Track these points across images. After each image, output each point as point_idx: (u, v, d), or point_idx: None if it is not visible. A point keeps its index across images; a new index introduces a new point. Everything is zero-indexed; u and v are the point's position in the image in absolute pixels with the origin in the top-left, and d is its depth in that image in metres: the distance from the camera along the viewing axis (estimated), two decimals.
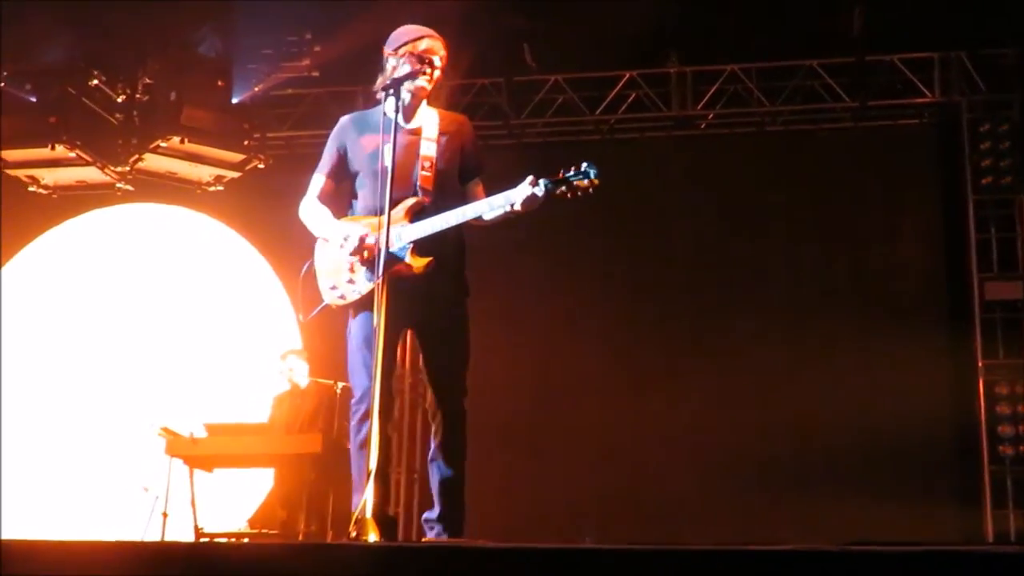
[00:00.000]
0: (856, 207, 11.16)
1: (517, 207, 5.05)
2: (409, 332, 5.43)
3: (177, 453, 8.83)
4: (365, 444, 4.97)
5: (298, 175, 11.84)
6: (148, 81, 11.22)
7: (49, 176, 11.90)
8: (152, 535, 9.07)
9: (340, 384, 9.43)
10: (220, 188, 11.96)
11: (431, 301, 5.16)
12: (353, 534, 4.64)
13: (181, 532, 8.99)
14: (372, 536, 4.58)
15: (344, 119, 5.36)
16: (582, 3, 10.33)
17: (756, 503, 10.35)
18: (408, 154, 5.21)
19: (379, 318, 4.69)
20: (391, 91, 5.08)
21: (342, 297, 5.27)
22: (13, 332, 12.15)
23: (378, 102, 5.32)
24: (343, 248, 5.20)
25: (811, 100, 11.33)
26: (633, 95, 11.56)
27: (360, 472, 4.99)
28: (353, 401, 5.14)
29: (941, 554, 3.31)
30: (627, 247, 11.38)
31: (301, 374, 10.11)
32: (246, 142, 11.46)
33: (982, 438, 10.38)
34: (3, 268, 12.51)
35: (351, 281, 5.24)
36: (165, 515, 8.93)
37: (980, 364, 10.55)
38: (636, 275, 11.28)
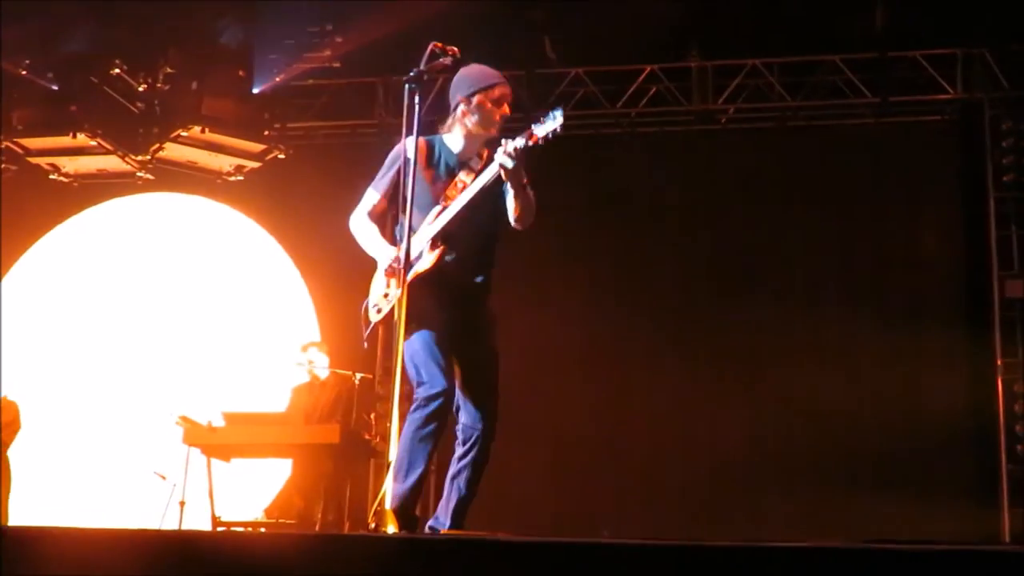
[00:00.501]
0: (876, 203, 11.12)
1: (507, 164, 5.07)
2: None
3: (195, 442, 8.85)
4: (426, 438, 5.09)
5: (318, 166, 12.06)
6: (169, 70, 11.25)
7: (70, 164, 11.98)
8: (169, 524, 9.11)
9: (359, 375, 9.44)
10: (240, 178, 12.00)
11: (473, 332, 5.32)
12: (372, 525, 4.65)
13: (198, 521, 9.02)
14: (391, 528, 4.60)
15: (409, 140, 5.29)
16: None
17: (772, 500, 10.35)
18: (453, 184, 5.36)
19: (399, 321, 4.81)
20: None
21: (379, 311, 5.36)
22: (34, 320, 12.21)
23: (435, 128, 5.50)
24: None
25: (833, 96, 11.27)
26: (654, 89, 11.52)
27: (410, 463, 5.06)
28: (423, 395, 5.13)
29: (958, 553, 3.31)
30: (647, 240, 11.36)
31: (321, 366, 10.13)
32: (266, 132, 11.50)
33: (1000, 437, 10.34)
34: (25, 256, 12.56)
35: (386, 296, 5.35)
36: (183, 504, 8.96)
37: (999, 363, 10.50)
38: (655, 268, 11.26)
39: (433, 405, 5.10)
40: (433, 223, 5.23)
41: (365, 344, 5.48)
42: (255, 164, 11.79)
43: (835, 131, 11.40)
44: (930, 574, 3.24)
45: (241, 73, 11.24)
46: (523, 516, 9.75)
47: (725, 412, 10.75)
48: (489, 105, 5.38)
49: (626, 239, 11.39)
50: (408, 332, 5.06)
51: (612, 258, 11.38)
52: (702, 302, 11.11)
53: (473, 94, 5.37)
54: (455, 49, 5.14)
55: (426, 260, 5.18)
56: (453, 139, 5.42)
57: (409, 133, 5.07)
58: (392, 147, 5.44)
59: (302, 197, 11.85)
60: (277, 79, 11.32)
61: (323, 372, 10.09)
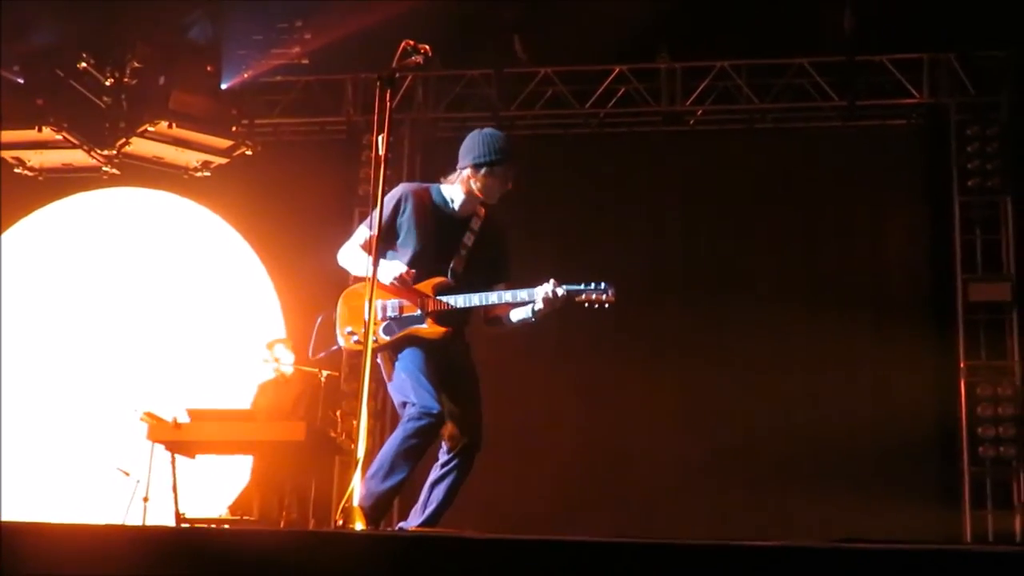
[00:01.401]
0: (843, 206, 11.19)
1: (539, 304, 5.38)
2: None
3: (160, 438, 8.76)
4: (415, 449, 5.26)
5: (286, 162, 12.00)
6: (137, 65, 11.16)
7: (35, 158, 11.86)
8: (133, 520, 9.05)
9: (325, 372, 9.42)
10: (207, 174, 11.92)
11: (450, 361, 5.52)
12: (340, 522, 4.65)
13: (162, 517, 8.96)
14: (358, 525, 4.59)
15: (406, 190, 5.59)
16: None
17: (738, 500, 10.39)
18: (451, 240, 5.55)
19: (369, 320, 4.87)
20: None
21: (358, 342, 5.42)
22: None
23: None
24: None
25: (800, 98, 11.35)
26: (623, 89, 11.57)
27: (393, 466, 5.21)
28: (419, 409, 5.26)
29: (925, 553, 3.33)
30: (615, 241, 11.37)
31: (287, 363, 10.10)
32: (234, 128, 11.44)
33: (963, 439, 10.42)
34: None
35: (364, 326, 5.34)
36: (146, 500, 8.88)
37: (962, 365, 10.60)
38: (624, 269, 11.24)
39: (424, 421, 5.24)
40: (442, 295, 5.45)
41: (310, 353, 5.65)
42: (222, 160, 11.72)
43: (802, 134, 11.47)
44: (896, 573, 3.26)
45: (209, 68, 11.18)
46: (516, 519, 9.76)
47: (690, 414, 10.77)
48: (497, 181, 5.54)
49: (593, 238, 11.39)
50: (393, 356, 5.37)
51: (579, 257, 11.38)
52: (669, 302, 11.14)
53: (483, 165, 5.52)
54: (427, 47, 5.15)
55: (431, 330, 5.42)
56: (453, 193, 5.60)
57: (380, 131, 5.07)
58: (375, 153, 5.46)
59: (269, 194, 11.82)
60: (245, 75, 11.28)
61: (288, 369, 10.07)
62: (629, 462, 10.76)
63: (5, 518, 5.29)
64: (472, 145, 5.56)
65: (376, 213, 5.40)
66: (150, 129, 11.10)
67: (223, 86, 11.25)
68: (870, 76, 11.15)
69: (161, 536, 4.19)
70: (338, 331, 5.57)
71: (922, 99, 11.13)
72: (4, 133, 11.34)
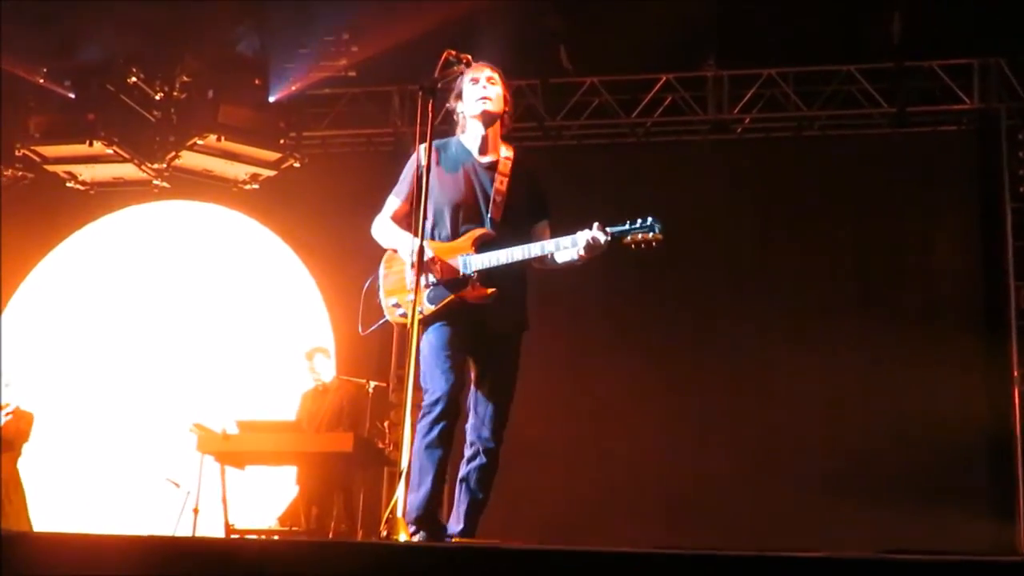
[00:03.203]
0: (893, 213, 11.09)
1: (581, 250, 5.15)
2: None
3: (209, 449, 8.84)
4: (431, 444, 5.10)
5: (333, 174, 12.05)
6: (186, 79, 11.29)
7: (87, 172, 12.02)
8: (183, 531, 9.12)
9: (372, 383, 9.45)
10: (256, 186, 12.03)
11: (489, 334, 5.33)
12: (384, 533, 4.64)
13: (212, 528, 9.02)
14: (402, 536, 4.59)
15: (423, 147, 5.29)
16: (619, 5, 10.32)
17: (787, 510, 10.29)
18: (481, 187, 5.37)
19: (411, 328, 4.82)
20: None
21: (404, 316, 5.29)
22: (50, 327, 12.24)
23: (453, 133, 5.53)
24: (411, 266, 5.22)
25: (849, 105, 11.26)
26: (669, 98, 11.53)
27: (420, 470, 5.09)
28: (426, 402, 5.16)
29: (973, 564, 3.28)
30: (662, 251, 11.29)
31: (325, 372, 10.12)
32: (282, 141, 11.52)
33: (1016, 448, 10.29)
34: (42, 263, 12.60)
35: (410, 295, 5.21)
36: (196, 511, 8.95)
37: (1015, 373, 10.46)
38: (671, 279, 11.20)
39: (435, 411, 5.11)
40: (480, 255, 5.25)
41: (361, 329, 5.49)
42: (271, 172, 11.82)
43: (851, 141, 11.38)
44: None
45: (257, 82, 11.27)
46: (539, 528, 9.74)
47: (739, 421, 10.71)
48: (469, 88, 5.38)
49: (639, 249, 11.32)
50: (422, 332, 5.15)
51: (626, 267, 11.33)
52: (717, 311, 11.07)
53: (452, 92, 5.43)
54: (468, 57, 5.15)
55: (475, 292, 5.23)
56: (468, 140, 5.46)
57: (423, 140, 5.07)
58: (409, 155, 5.44)
59: (317, 205, 11.87)
60: (293, 88, 11.35)
61: (328, 378, 10.08)
62: (680, 472, 10.68)
63: (58, 530, 5.34)
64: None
65: (404, 179, 5.45)
66: (199, 142, 11.22)
67: (271, 99, 11.34)
68: (919, 82, 11.04)
69: (212, 547, 4.21)
70: (383, 302, 5.44)
71: (972, 104, 11.01)
72: (56, 148, 11.50)
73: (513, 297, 5.38)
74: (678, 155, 11.66)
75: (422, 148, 5.11)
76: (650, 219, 5.19)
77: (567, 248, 5.19)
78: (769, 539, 9.94)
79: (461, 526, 5.26)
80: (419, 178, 5.04)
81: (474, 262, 5.23)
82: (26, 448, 10.57)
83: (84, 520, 10.95)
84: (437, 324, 5.24)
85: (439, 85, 5.07)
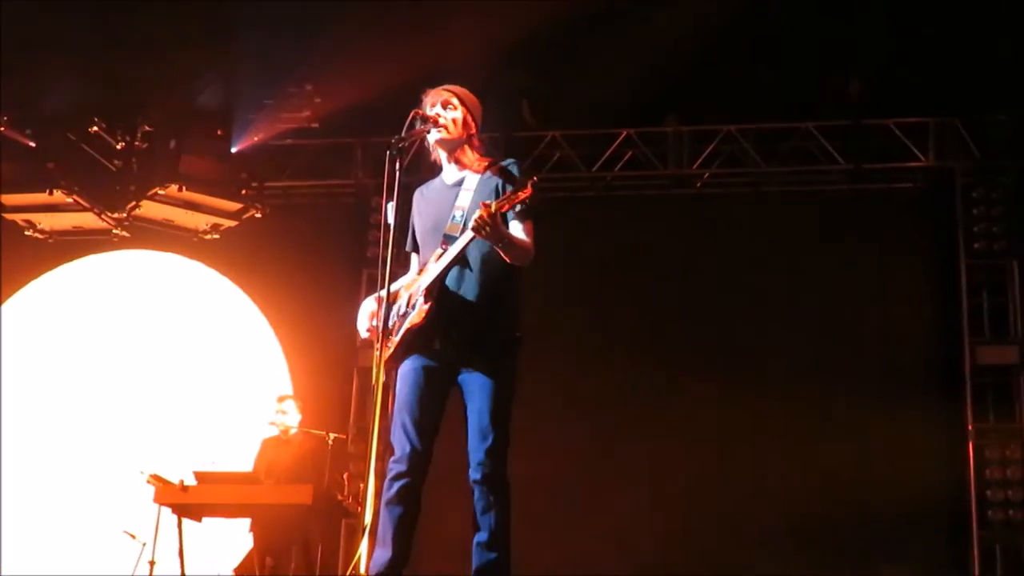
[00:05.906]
0: (850, 269, 11.16)
1: (470, 232, 4.88)
2: None
3: (166, 501, 8.76)
4: (390, 501, 4.91)
5: (295, 225, 12.06)
6: (148, 129, 11.29)
7: (46, 221, 11.95)
8: None
9: (332, 435, 9.41)
10: (216, 236, 11.99)
11: (456, 354, 5.08)
12: None
13: None
14: None
15: (391, 204, 5.03)
16: (581, 61, 10.41)
17: (749, 568, 10.28)
18: (444, 209, 5.24)
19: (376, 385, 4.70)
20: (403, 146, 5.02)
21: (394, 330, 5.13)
22: (7, 375, 12.12)
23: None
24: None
25: (807, 162, 11.37)
26: (630, 153, 11.60)
27: (382, 527, 4.90)
28: (391, 460, 4.98)
29: None
30: (623, 304, 11.36)
31: (292, 420, 10.04)
32: (244, 191, 11.50)
33: (972, 502, 10.35)
34: None
35: (402, 314, 5.18)
36: (152, 563, 8.86)
37: (970, 428, 10.54)
38: (630, 333, 11.26)
39: (395, 468, 4.95)
40: (424, 275, 5.11)
41: (366, 333, 5.25)
42: (232, 223, 11.78)
43: (808, 197, 11.47)
44: None
45: (220, 132, 11.26)
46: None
47: (695, 480, 10.70)
48: (426, 116, 5.23)
49: (600, 302, 11.39)
50: (395, 379, 5.05)
51: (586, 319, 11.38)
52: (672, 366, 11.03)
53: (413, 124, 5.22)
54: (435, 118, 5.17)
55: (417, 314, 5.02)
56: (446, 172, 5.37)
57: (390, 199, 5.04)
58: (371, 208, 5.42)
59: (278, 256, 11.87)
60: (255, 138, 11.35)
61: (293, 426, 9.99)
62: (631, 531, 10.68)
63: None
64: None
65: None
66: (160, 192, 11.19)
67: (233, 150, 11.33)
68: (876, 140, 11.18)
69: None
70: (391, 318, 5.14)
71: (928, 162, 11.15)
72: (15, 196, 11.43)
73: (477, 307, 5.08)
74: (638, 209, 11.73)
75: (390, 207, 5.04)
76: (515, 172, 5.15)
77: (466, 235, 4.92)
78: None
79: None
80: (383, 237, 5.01)
81: (421, 284, 5.09)
82: None
83: (40, 571, 10.82)
84: (405, 367, 5.08)
85: (403, 145, 5.02)
